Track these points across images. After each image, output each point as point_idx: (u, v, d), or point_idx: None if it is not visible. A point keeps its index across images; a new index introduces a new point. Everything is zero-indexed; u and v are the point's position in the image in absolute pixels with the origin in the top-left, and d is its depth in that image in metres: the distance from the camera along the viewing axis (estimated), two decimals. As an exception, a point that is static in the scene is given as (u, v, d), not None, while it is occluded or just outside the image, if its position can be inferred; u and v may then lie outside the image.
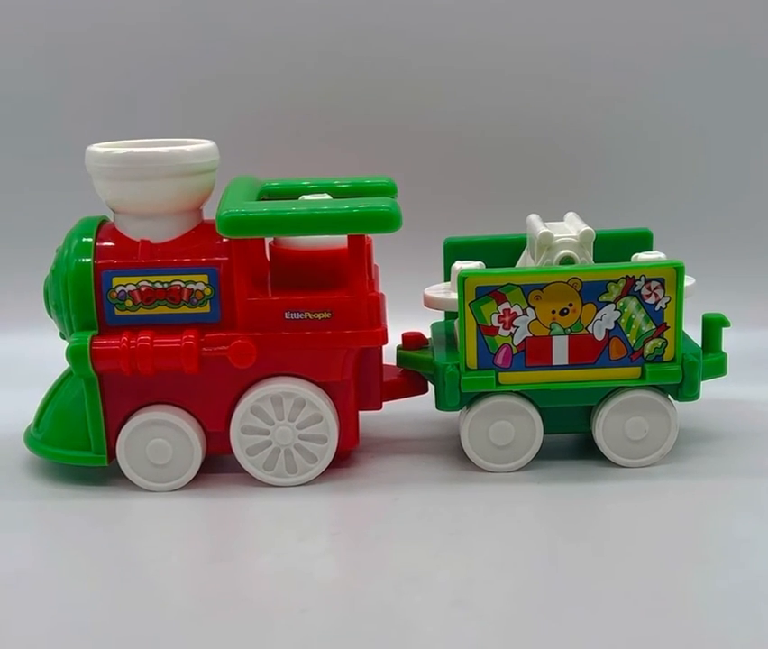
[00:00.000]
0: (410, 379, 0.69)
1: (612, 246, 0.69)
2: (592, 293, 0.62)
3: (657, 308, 0.62)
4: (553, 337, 0.62)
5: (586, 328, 0.62)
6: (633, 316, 0.62)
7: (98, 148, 0.62)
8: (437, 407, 0.65)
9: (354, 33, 0.88)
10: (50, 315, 0.65)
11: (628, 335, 0.62)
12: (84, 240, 0.62)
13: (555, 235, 0.64)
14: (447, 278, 0.70)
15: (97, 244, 0.62)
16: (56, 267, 0.63)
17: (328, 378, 0.63)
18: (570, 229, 0.66)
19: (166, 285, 0.62)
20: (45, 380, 0.67)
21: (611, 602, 0.50)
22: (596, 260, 0.65)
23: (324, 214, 0.59)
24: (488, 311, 0.62)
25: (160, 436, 0.63)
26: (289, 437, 0.63)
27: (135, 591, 0.52)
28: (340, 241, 0.62)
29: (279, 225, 0.60)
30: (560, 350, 0.63)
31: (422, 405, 0.70)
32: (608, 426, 0.64)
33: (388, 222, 0.59)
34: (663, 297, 0.62)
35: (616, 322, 0.62)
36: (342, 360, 0.63)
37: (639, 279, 0.61)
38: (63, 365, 0.64)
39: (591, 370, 0.63)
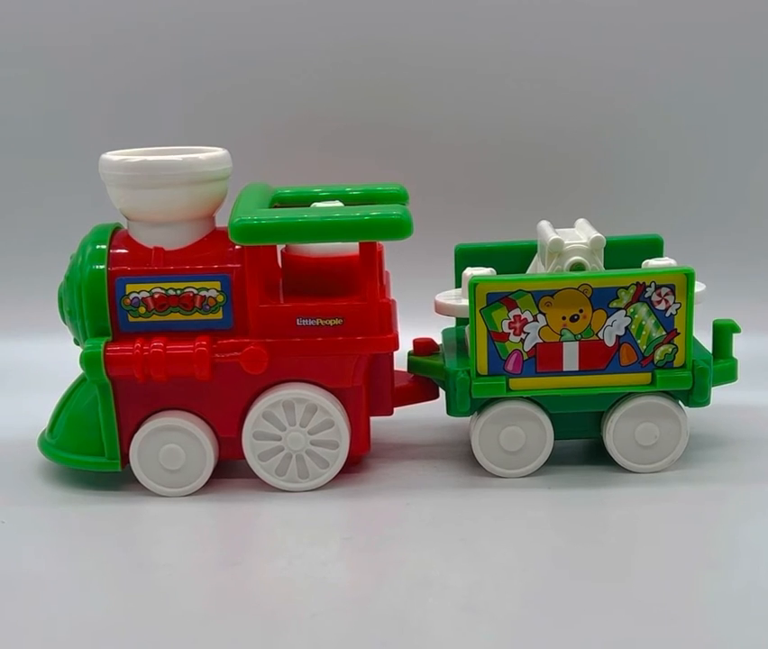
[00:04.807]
0: (421, 384, 0.69)
1: (623, 252, 0.69)
2: (603, 299, 0.62)
3: (668, 314, 0.62)
4: (564, 343, 0.63)
5: (596, 334, 0.62)
6: (643, 322, 0.62)
7: (112, 156, 0.63)
8: (448, 413, 0.65)
9: (366, 42, 0.88)
10: (65, 322, 0.65)
11: (639, 341, 0.62)
12: (98, 247, 0.63)
13: (566, 242, 0.64)
14: (458, 285, 0.71)
15: (111, 251, 0.63)
16: (70, 274, 0.63)
17: (340, 383, 0.63)
18: (580, 235, 0.67)
19: (179, 292, 0.62)
20: (59, 386, 0.68)
21: (621, 607, 0.50)
22: (606, 266, 0.65)
23: (336, 222, 0.60)
24: (498, 317, 0.62)
25: (172, 442, 0.63)
26: (301, 443, 0.63)
27: (147, 595, 0.53)
28: (351, 247, 0.62)
29: (291, 233, 0.60)
30: (570, 356, 0.63)
31: (433, 410, 0.70)
32: (618, 432, 0.64)
33: (399, 229, 0.60)
34: (674, 303, 0.62)
35: (626, 328, 0.62)
36: (353, 366, 0.63)
37: (649, 286, 0.62)
38: (77, 371, 0.64)
39: (602, 375, 0.63)
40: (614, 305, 0.62)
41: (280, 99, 0.89)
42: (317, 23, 0.88)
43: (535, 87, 0.89)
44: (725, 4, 0.87)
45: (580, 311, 0.62)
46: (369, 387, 0.65)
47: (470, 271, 0.67)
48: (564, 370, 0.63)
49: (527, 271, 0.70)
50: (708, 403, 0.64)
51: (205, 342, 0.61)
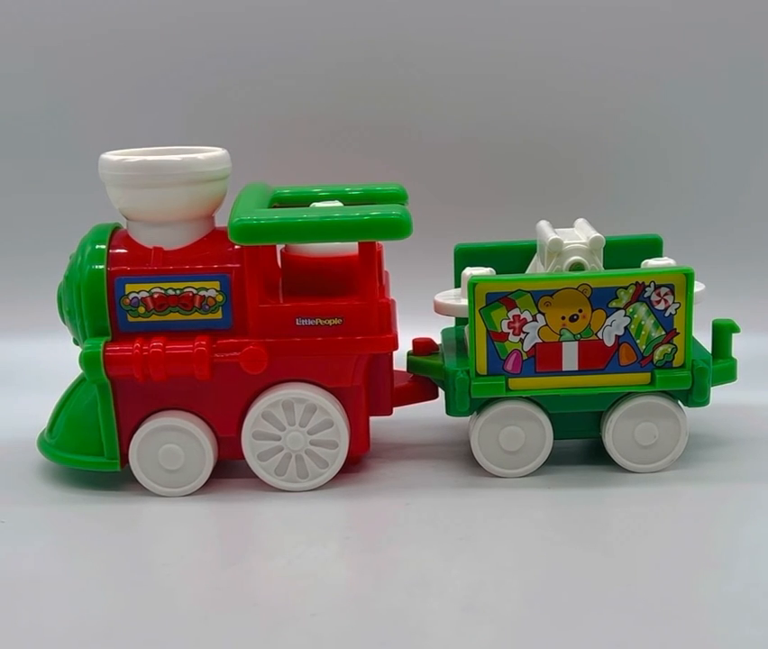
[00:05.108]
0: (420, 384, 0.69)
1: (622, 252, 0.70)
2: (602, 299, 0.62)
3: (667, 314, 0.62)
4: (563, 343, 0.63)
5: (596, 334, 0.62)
6: (642, 322, 0.62)
7: (111, 156, 0.63)
8: (447, 413, 0.65)
9: (366, 42, 0.88)
10: (64, 322, 0.65)
11: (638, 341, 0.62)
12: (97, 247, 0.63)
13: (565, 242, 0.64)
14: (457, 285, 0.71)
15: (110, 251, 0.63)
16: (69, 273, 0.63)
17: (339, 383, 0.63)
18: (579, 235, 0.67)
19: (178, 291, 0.62)
20: (58, 386, 0.68)
21: (622, 607, 0.50)
22: (606, 266, 0.65)
23: (336, 222, 0.60)
24: (498, 317, 0.62)
25: (172, 442, 0.63)
26: (300, 442, 0.63)
27: (147, 595, 0.53)
28: (351, 247, 0.62)
29: (291, 233, 0.60)
30: (570, 356, 0.63)
31: (432, 410, 0.70)
32: (617, 432, 0.64)
33: (398, 229, 0.60)
34: (673, 303, 0.62)
35: (625, 328, 0.62)
36: (352, 365, 0.63)
37: (649, 286, 0.62)
38: (76, 371, 0.64)
39: (601, 375, 0.63)
40: (613, 305, 0.62)
41: (280, 99, 0.89)
42: (317, 23, 0.88)
43: (535, 87, 0.89)
44: (725, 4, 0.87)
45: (580, 311, 0.62)
46: (368, 386, 0.65)
47: (469, 271, 0.67)
48: (564, 369, 0.63)
49: (527, 271, 0.70)
50: (708, 403, 0.64)
51: (204, 342, 0.61)
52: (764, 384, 0.79)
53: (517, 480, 0.65)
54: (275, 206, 0.68)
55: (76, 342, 0.65)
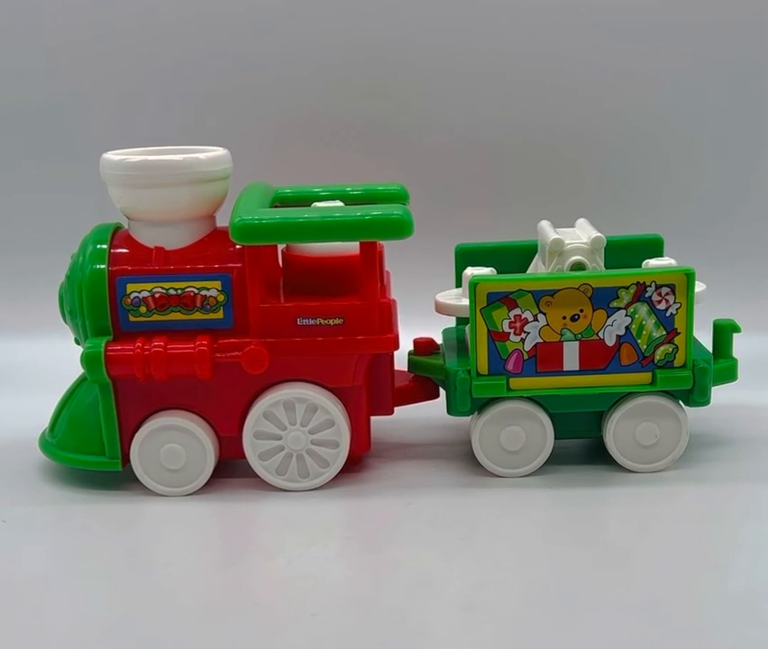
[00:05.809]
0: (421, 384, 0.69)
1: (623, 252, 0.70)
2: (603, 299, 0.62)
3: (668, 314, 0.62)
4: (564, 343, 0.63)
5: (597, 334, 0.62)
6: (644, 322, 0.62)
7: (113, 155, 0.63)
8: (448, 413, 0.65)
9: (367, 42, 0.88)
10: (65, 321, 0.65)
11: (639, 341, 0.63)
12: (98, 246, 0.63)
13: (566, 241, 0.64)
14: (458, 284, 0.71)
15: (112, 251, 0.63)
16: (71, 273, 0.63)
17: (340, 383, 0.63)
18: (581, 235, 0.67)
19: (179, 291, 0.62)
20: (60, 386, 0.68)
21: (621, 607, 0.50)
22: (607, 266, 0.65)
23: (337, 222, 0.60)
24: (499, 317, 0.62)
25: (173, 441, 0.63)
26: (302, 442, 0.63)
27: (148, 595, 0.53)
28: (352, 247, 0.62)
29: (292, 232, 0.60)
30: (571, 355, 0.63)
31: (433, 410, 0.70)
32: (618, 432, 0.64)
33: (399, 228, 0.60)
34: (674, 302, 0.62)
35: (626, 328, 0.62)
36: (353, 365, 0.63)
37: (650, 285, 0.62)
38: (78, 371, 0.64)
39: (602, 375, 0.63)
40: (614, 304, 0.62)
41: (280, 99, 0.89)
42: (318, 23, 0.88)
43: (536, 88, 0.89)
44: (725, 4, 0.87)
45: (581, 311, 0.62)
46: (369, 386, 0.65)
47: (470, 271, 0.67)
48: (565, 369, 0.63)
49: (528, 271, 0.70)
50: (709, 403, 0.64)
51: (205, 342, 0.61)
52: (765, 384, 0.79)
53: (518, 480, 0.65)
54: (276, 206, 0.68)
55: (77, 342, 0.65)
